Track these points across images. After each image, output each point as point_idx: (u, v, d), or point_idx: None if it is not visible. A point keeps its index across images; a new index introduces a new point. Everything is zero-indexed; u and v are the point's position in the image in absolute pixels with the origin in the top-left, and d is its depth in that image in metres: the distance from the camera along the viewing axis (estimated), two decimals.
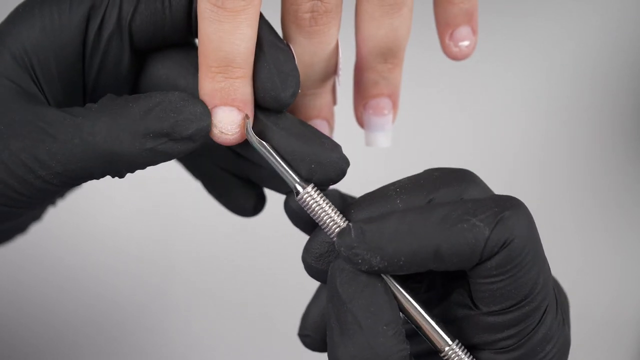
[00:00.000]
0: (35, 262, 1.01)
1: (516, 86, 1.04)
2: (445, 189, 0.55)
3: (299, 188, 0.55)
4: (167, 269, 1.04)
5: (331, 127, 0.64)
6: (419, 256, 0.53)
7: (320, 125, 0.63)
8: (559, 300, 0.56)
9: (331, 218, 0.55)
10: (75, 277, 1.02)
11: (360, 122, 0.64)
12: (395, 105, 0.63)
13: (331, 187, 0.58)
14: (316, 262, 0.56)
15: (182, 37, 0.58)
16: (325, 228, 0.55)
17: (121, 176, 0.55)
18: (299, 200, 0.55)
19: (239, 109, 0.56)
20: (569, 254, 1.06)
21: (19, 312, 1.01)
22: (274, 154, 0.56)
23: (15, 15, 0.56)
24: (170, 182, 1.02)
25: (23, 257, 1.00)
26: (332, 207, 0.55)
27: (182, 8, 0.56)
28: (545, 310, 0.54)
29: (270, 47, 0.56)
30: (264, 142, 0.56)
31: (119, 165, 0.54)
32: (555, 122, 1.05)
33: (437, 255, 0.52)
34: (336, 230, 0.55)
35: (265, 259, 1.04)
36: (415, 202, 0.54)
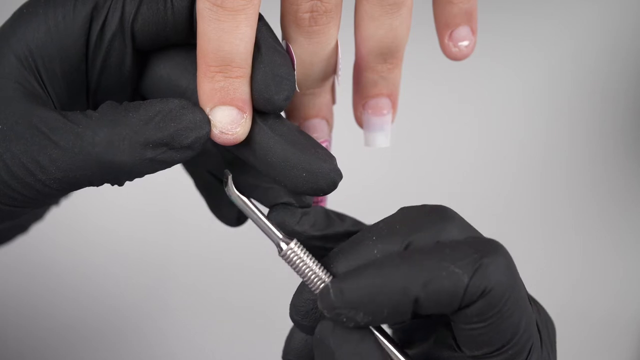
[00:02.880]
0: (33, 264, 1.01)
1: (516, 86, 1.04)
2: (422, 231, 0.54)
3: (282, 245, 0.55)
4: (165, 271, 1.04)
5: (330, 127, 0.64)
6: (400, 308, 0.52)
7: (319, 125, 0.63)
8: (544, 334, 0.56)
9: (315, 274, 0.55)
10: (72, 279, 1.02)
11: (360, 122, 0.64)
12: (394, 105, 0.63)
13: (329, 194, 0.57)
14: (303, 319, 0.56)
15: (184, 37, 0.57)
16: (309, 284, 0.55)
17: (120, 184, 0.55)
18: (282, 257, 0.55)
19: (239, 109, 0.55)
20: (569, 254, 1.06)
21: (18, 313, 1.01)
22: (255, 210, 0.56)
23: (19, 16, 0.56)
24: (167, 184, 1.02)
25: (21, 259, 1.00)
26: (316, 261, 0.55)
27: (184, 9, 0.56)
28: (530, 351, 0.54)
29: (268, 49, 0.55)
30: (245, 199, 0.56)
31: (119, 174, 0.54)
32: (555, 122, 1.05)
33: (417, 304, 0.52)
34: (320, 286, 0.54)
35: (264, 261, 1.04)
36: (392, 248, 0.54)
